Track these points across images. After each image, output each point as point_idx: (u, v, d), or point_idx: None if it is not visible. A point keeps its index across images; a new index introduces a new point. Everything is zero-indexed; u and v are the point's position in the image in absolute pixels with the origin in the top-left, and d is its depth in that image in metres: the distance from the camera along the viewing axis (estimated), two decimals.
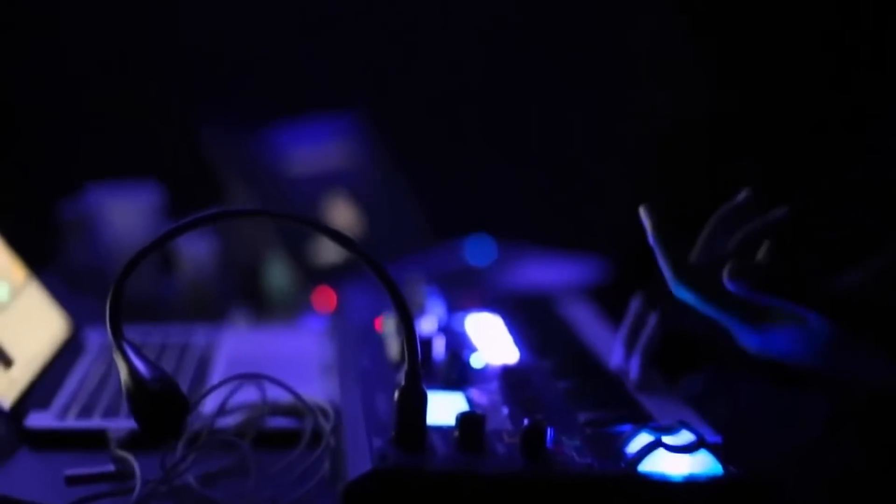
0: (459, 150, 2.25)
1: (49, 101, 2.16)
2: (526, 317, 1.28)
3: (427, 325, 1.15)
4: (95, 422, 1.06)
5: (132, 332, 1.30)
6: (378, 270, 0.87)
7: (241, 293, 1.60)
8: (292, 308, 1.55)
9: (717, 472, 0.88)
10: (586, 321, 1.31)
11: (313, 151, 1.76)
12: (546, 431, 0.87)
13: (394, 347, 1.09)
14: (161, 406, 0.82)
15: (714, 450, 0.90)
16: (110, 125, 2.15)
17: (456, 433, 0.88)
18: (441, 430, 0.90)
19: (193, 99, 2.13)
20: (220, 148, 1.64)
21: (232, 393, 1.01)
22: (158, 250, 0.94)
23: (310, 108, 1.86)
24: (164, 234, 0.92)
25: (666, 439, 0.89)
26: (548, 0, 2.28)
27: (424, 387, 0.87)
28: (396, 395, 0.87)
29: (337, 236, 0.89)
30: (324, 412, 1.01)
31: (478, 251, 1.82)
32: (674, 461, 0.88)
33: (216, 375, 1.19)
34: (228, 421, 1.03)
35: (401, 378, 0.88)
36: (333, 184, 1.74)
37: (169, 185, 1.69)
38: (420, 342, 1.04)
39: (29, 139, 2.17)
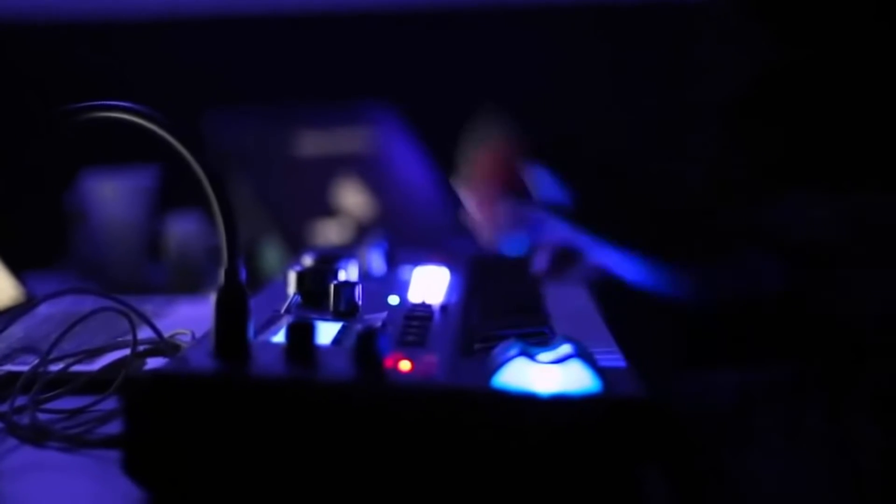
0: None
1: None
2: (485, 273, 1.15)
3: (350, 268, 1.04)
4: None
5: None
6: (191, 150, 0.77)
7: None
8: None
9: (593, 390, 0.73)
10: (560, 287, 1.17)
11: (326, 135, 1.67)
12: (379, 337, 0.74)
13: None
14: None
15: (603, 370, 0.75)
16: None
17: (285, 343, 0.75)
18: (278, 346, 0.78)
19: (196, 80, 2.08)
20: (222, 129, 1.57)
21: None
22: None
23: (326, 95, 1.78)
24: None
25: (542, 356, 0.75)
26: None
27: (245, 288, 0.76)
28: (214, 296, 0.76)
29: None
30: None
31: (511, 244, 1.69)
32: (544, 376, 0.74)
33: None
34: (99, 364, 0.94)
35: (220, 277, 0.76)
36: (345, 168, 1.64)
37: (169, 167, 1.62)
38: (315, 272, 0.95)
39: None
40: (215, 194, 0.77)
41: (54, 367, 0.92)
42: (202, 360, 0.74)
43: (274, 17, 2.22)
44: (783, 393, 1.01)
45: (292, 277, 0.95)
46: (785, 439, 1.01)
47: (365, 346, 0.74)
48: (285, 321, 0.87)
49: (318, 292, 0.93)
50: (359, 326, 0.74)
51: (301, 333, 0.75)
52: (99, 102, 0.83)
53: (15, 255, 1.33)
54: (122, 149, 1.76)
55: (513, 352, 0.75)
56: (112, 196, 1.52)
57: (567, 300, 1.07)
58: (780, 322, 1.07)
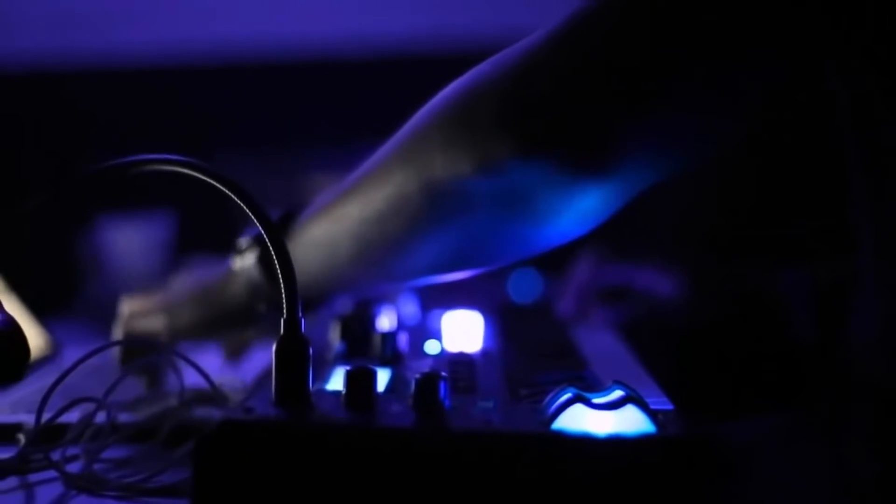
0: None
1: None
2: (513, 319, 1.17)
3: (387, 315, 1.06)
4: (10, 416, 0.99)
5: None
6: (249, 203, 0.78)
7: None
8: None
9: (647, 431, 0.75)
10: (588, 332, 1.20)
11: (336, 179, 1.69)
12: (440, 384, 0.76)
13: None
14: None
15: (655, 412, 0.77)
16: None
17: (344, 391, 0.77)
18: (336, 393, 0.79)
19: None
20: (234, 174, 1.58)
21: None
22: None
23: (335, 138, 1.80)
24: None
25: (596, 400, 0.77)
26: None
27: (306, 338, 0.77)
28: (274, 346, 0.77)
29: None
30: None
31: (522, 286, 1.71)
32: (600, 420, 0.76)
33: None
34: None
35: (281, 327, 0.78)
36: None
37: (184, 213, 1.64)
38: (357, 319, 0.96)
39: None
40: (274, 246, 0.78)
41: (102, 416, 0.93)
42: (267, 409, 0.75)
43: (279, 63, 2.24)
44: (791, 430, 1.03)
45: (335, 325, 0.97)
46: (792, 473, 1.04)
47: (426, 392, 0.75)
48: (336, 369, 0.89)
49: (362, 339, 0.95)
50: (416, 374, 0.76)
51: (361, 381, 0.76)
52: (152, 156, 0.84)
53: (30, 300, 1.34)
54: (137, 194, 1.79)
55: (567, 397, 0.77)
56: (127, 242, 1.53)
57: (598, 344, 1.09)
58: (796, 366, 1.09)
